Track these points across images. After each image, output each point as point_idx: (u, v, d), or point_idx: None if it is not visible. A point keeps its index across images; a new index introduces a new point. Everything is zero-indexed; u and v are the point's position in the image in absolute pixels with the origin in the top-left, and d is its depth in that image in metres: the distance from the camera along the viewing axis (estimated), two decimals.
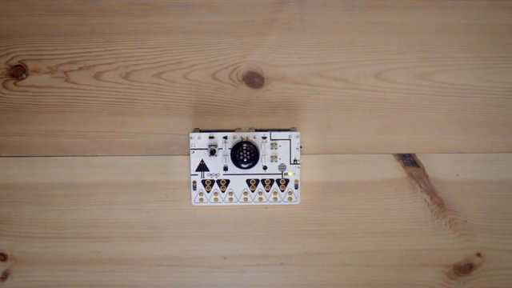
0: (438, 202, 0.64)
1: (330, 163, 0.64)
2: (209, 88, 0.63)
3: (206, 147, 0.61)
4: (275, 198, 0.62)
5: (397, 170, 0.64)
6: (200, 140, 0.61)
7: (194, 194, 0.62)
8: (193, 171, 0.61)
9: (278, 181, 0.62)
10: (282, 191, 0.62)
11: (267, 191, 0.62)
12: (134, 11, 0.62)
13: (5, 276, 0.63)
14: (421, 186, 0.64)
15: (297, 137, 0.61)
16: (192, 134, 0.61)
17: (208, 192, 0.62)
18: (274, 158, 0.61)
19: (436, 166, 0.63)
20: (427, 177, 0.63)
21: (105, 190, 0.63)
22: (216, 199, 0.62)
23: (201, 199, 0.62)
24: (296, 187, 0.62)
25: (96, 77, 0.63)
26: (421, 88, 0.64)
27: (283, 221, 0.63)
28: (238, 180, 0.62)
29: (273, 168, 0.61)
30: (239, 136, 0.60)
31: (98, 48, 0.63)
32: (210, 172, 0.61)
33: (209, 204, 0.62)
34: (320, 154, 0.64)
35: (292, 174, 0.61)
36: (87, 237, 0.63)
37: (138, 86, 0.63)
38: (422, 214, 0.65)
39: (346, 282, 0.63)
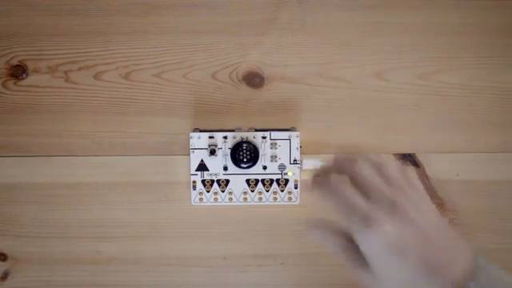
0: (438, 201, 0.64)
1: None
2: (209, 88, 0.63)
3: (206, 147, 0.61)
4: (275, 198, 0.62)
5: None
6: (200, 140, 0.61)
7: (194, 193, 0.62)
8: (193, 171, 0.61)
9: (277, 181, 0.62)
10: (282, 191, 0.62)
11: (267, 191, 0.62)
12: (134, 11, 0.62)
13: (5, 276, 0.63)
14: None
15: (297, 137, 0.61)
16: (192, 134, 0.61)
17: (208, 192, 0.62)
18: (273, 157, 0.61)
19: (436, 166, 0.63)
20: (427, 177, 0.63)
21: (105, 189, 0.63)
22: (216, 199, 0.62)
23: (201, 199, 0.62)
24: (296, 187, 0.62)
25: (96, 77, 0.63)
26: (421, 88, 0.64)
27: (283, 221, 0.63)
28: (238, 180, 0.62)
29: (272, 168, 0.61)
30: (239, 136, 0.60)
31: (98, 48, 0.63)
32: (210, 172, 0.61)
33: (209, 204, 0.62)
34: (320, 154, 0.64)
35: (292, 173, 0.61)
36: (87, 237, 0.63)
37: (138, 85, 0.63)
38: None
39: (346, 281, 0.63)
